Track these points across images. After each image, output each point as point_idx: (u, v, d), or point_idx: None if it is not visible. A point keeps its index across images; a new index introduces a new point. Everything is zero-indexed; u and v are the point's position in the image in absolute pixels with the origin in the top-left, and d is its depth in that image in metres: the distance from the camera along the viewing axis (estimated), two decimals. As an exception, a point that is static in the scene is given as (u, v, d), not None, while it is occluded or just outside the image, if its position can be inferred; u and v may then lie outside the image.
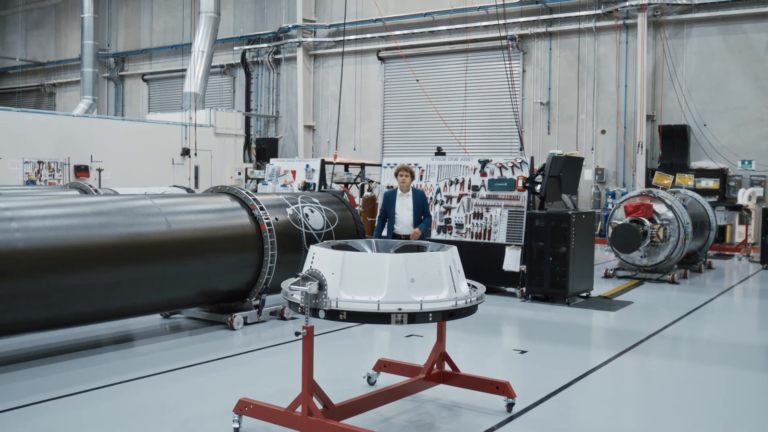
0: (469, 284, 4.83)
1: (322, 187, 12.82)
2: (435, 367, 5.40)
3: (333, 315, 4.28)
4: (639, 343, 7.49)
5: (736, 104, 19.20)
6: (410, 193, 8.62)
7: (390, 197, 8.65)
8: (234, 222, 7.78)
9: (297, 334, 4.34)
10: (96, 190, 10.04)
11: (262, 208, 7.97)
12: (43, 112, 22.72)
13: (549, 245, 9.63)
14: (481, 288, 4.81)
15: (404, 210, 8.57)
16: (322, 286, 4.29)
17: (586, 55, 21.40)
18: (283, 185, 13.04)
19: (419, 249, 5.04)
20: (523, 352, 7.05)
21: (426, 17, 23.38)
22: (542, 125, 22.12)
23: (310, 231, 8.45)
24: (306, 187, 12.87)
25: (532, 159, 10.22)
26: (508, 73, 16.87)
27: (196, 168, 22.74)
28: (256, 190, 13.86)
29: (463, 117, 22.43)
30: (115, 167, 20.69)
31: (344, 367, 6.43)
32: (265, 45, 26.92)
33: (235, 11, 28.01)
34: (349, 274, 4.35)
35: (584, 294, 10.13)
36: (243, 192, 8.06)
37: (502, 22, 20.92)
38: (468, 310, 4.46)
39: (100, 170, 20.54)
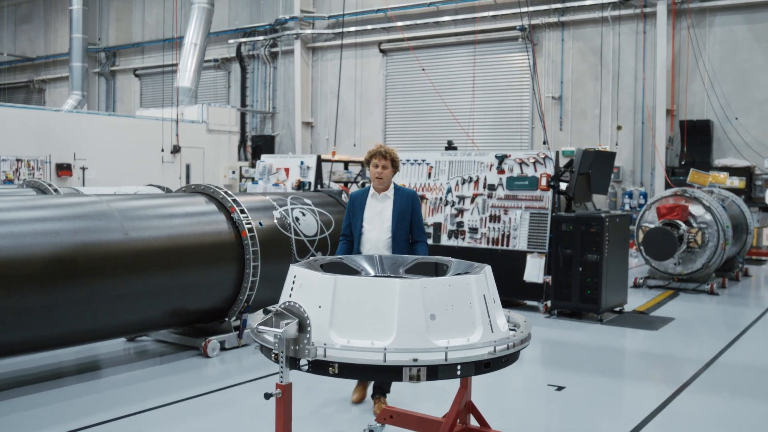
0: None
1: (318, 186, 11.53)
2: (458, 421, 4.10)
3: (320, 367, 2.99)
4: (698, 375, 6.19)
5: (763, 97, 17.89)
6: (390, 194, 5.05)
7: (357, 201, 5.13)
8: (208, 228, 6.49)
9: (267, 396, 3.05)
10: (56, 190, 8.76)
11: (242, 211, 6.68)
12: (23, 106, 21.45)
13: (578, 253, 8.34)
14: (524, 323, 3.53)
15: (376, 222, 5.01)
16: (303, 327, 3.00)
17: (601, 46, 20.07)
18: (275, 184, 11.76)
19: (439, 269, 3.76)
20: (560, 388, 5.75)
21: (430, 7, 22.09)
22: (554, 121, 20.81)
23: (301, 237, 7.16)
24: (300, 186, 11.59)
25: (557, 154, 8.93)
26: (530, 61, 15.56)
27: (188, 166, 21.45)
28: (245, 190, 12.57)
29: (471, 112, 21.14)
30: (100, 166, 19.39)
31: (338, 417, 5.14)
32: (261, 38, 25.65)
33: (230, 2, 26.75)
34: (343, 307, 3.08)
35: (618, 309, 8.84)
36: (220, 192, 6.77)
37: (518, 11, 19.75)
38: (509, 358, 3.18)
39: (83, 169, 19.25)
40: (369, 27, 23.11)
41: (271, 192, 9.83)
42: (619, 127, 19.87)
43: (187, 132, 21.19)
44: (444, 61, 22.15)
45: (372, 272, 3.78)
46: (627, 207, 19.03)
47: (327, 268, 3.67)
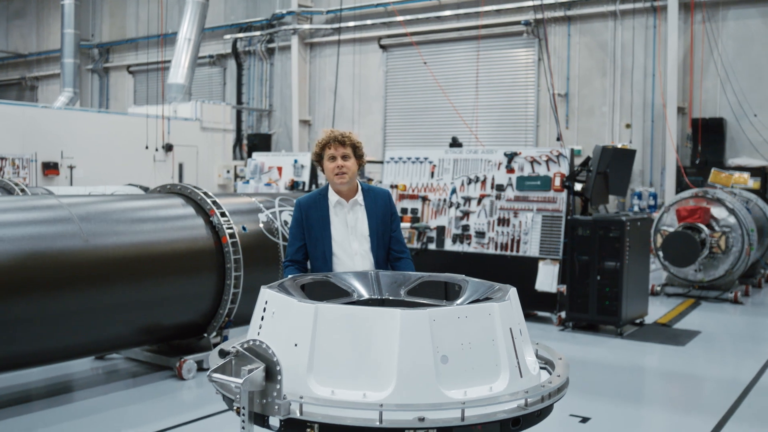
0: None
1: (313, 186, 10.77)
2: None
3: (294, 427, 2.25)
4: (741, 401, 5.45)
5: (779, 94, 17.15)
6: (360, 199, 3.69)
7: (312, 213, 3.67)
8: (183, 234, 5.74)
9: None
10: (23, 190, 8.02)
11: (223, 214, 5.93)
12: (8, 102, 20.65)
13: (596, 260, 7.60)
14: (559, 361, 2.78)
15: (350, 243, 3.65)
16: (272, 374, 2.26)
17: (609, 41, 19.33)
18: (268, 184, 11.01)
19: (450, 290, 3.01)
20: (584, 419, 5.00)
21: (432, 1, 21.34)
22: (560, 118, 20.05)
23: (290, 244, 6.40)
24: (294, 186, 10.84)
25: (572, 151, 8.18)
26: (543, 55, 14.79)
27: (180, 165, 20.69)
28: (235, 190, 11.82)
29: (474, 109, 20.40)
30: (89, 164, 18.62)
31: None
32: (257, 33, 24.87)
33: (226, -3, 25.99)
34: (326, 346, 2.34)
35: (638, 321, 8.09)
36: (199, 193, 6.02)
37: (522, 5, 19.02)
38: (543, 412, 2.44)
39: (71, 167, 18.48)
40: (368, 22, 22.37)
41: (257, 193, 9.08)
42: (627, 125, 19.11)
43: (180, 130, 20.46)
44: (446, 57, 21.40)
45: (366, 294, 3.03)
46: (636, 208, 18.29)
47: (310, 289, 2.93)
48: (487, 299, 2.70)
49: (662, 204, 17.45)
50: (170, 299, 5.66)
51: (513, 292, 2.73)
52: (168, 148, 19.94)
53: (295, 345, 2.35)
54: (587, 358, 6.83)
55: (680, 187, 16.80)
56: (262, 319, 2.56)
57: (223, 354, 2.36)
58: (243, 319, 5.95)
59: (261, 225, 6.30)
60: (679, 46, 18.06)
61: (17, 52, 32.79)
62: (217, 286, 5.87)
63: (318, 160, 3.73)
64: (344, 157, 3.60)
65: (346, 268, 3.54)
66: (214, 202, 5.97)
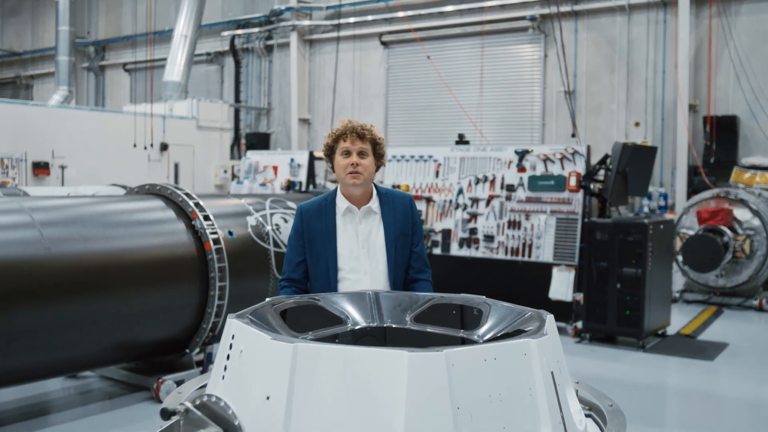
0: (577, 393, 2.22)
1: (310, 186, 10.18)
2: None
3: None
4: (786, 429, 4.86)
5: (795, 91, 16.54)
6: (375, 206, 3.01)
7: (315, 222, 2.99)
8: (162, 240, 5.16)
9: None
10: (-6, 191, 7.44)
11: (207, 218, 5.34)
12: (-3, 100, 20.10)
13: (616, 266, 7.00)
14: (609, 409, 2.19)
15: (361, 261, 2.96)
16: (234, 441, 1.66)
17: (618, 37, 18.74)
18: (263, 184, 10.42)
19: (467, 315, 2.42)
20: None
21: (435, -5, 20.75)
22: (565, 117, 19.40)
23: (282, 250, 5.82)
24: (290, 186, 10.25)
25: (588, 149, 7.59)
26: (552, 47, 14.20)
27: (176, 165, 20.13)
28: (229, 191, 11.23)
29: (478, 107, 19.82)
30: (82, 164, 18.04)
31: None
32: (255, 30, 24.30)
33: (223, -7, 25.42)
34: (308, 400, 1.74)
35: (660, 331, 7.49)
36: (180, 194, 5.43)
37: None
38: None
39: (62, 167, 17.90)
40: (369, 18, 21.78)
41: (247, 194, 8.48)
42: (636, 124, 18.51)
43: (176, 129, 19.92)
44: (449, 53, 20.81)
45: (362, 321, 2.43)
46: (646, 209, 17.69)
47: (293, 316, 2.34)
48: (518, 332, 2.10)
49: (673, 205, 16.83)
50: (147, 313, 5.07)
51: (550, 321, 2.13)
52: (163, 147, 19.38)
53: (267, 398, 1.75)
54: (608, 375, 6.23)
55: (691, 187, 16.22)
56: (228, 358, 1.96)
57: (166, 415, 1.75)
58: (229, 333, 5.36)
59: (250, 229, 5.71)
60: (691, 42, 17.47)
61: (12, 51, 32.26)
62: (200, 297, 5.28)
63: (329, 153, 3.04)
64: (361, 154, 2.93)
65: (351, 279, 2.92)
66: (197, 204, 5.38)
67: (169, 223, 5.27)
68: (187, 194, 5.43)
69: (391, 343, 2.43)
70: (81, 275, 4.61)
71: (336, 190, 3.05)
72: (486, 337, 2.24)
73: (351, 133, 2.96)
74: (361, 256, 2.94)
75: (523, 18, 19.47)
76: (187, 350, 5.46)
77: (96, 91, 29.76)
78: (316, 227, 2.97)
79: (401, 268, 2.96)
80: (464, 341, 2.34)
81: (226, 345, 2.02)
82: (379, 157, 3.00)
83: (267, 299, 2.43)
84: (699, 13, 17.61)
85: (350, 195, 2.97)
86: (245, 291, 5.43)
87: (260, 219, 5.81)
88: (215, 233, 5.30)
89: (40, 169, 17.45)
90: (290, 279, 3.00)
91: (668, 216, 11.52)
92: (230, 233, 5.50)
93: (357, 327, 2.41)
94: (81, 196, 5.75)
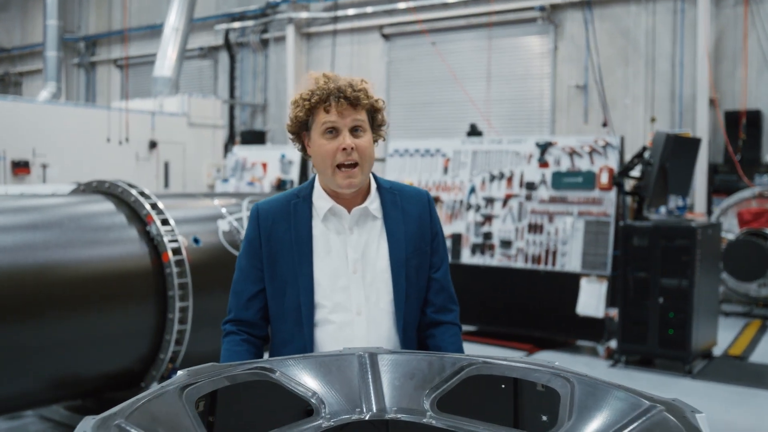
0: None
1: (303, 185, 9.15)
2: None
3: None
4: None
5: (822, 83, 15.52)
6: (374, 204, 1.95)
7: (274, 227, 1.95)
8: (108, 251, 4.12)
9: None
10: (-71, 190, 6.42)
11: (165, 222, 4.31)
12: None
13: (657, 277, 5.97)
14: None
15: (347, 280, 1.89)
16: None
17: (633, 28, 17.77)
18: (251, 182, 9.40)
19: (524, 396, 1.38)
20: None
21: (438, -14, 19.76)
22: (577, 112, 18.46)
23: (261, 260, 4.78)
24: (281, 185, 9.24)
25: (622, 140, 6.56)
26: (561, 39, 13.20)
27: (166, 164, 19.13)
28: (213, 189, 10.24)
29: (485, 101, 18.83)
30: (65, 163, 17.04)
31: None
32: (250, 23, 23.36)
33: (217, -16, 24.46)
34: None
35: (706, 352, 6.46)
36: (132, 193, 4.40)
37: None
38: None
39: (44, 166, 16.91)
40: (369, 9, 20.81)
41: (220, 193, 7.45)
42: (653, 119, 17.48)
43: (166, 125, 18.94)
44: (453, 46, 19.83)
45: (346, 407, 1.39)
46: (663, 209, 16.69)
47: (224, 403, 1.31)
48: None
49: (692, 205, 15.81)
50: (90, 341, 4.05)
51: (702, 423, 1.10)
52: (152, 145, 18.41)
53: None
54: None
55: (712, 186, 15.26)
56: None
57: None
58: (194, 362, 4.33)
59: (221, 236, 4.67)
60: (711, 33, 16.50)
61: (1, 46, 31.36)
62: (157, 320, 4.25)
63: (299, 131, 1.93)
64: (355, 129, 1.86)
65: (341, 342, 1.76)
66: (154, 206, 4.35)
67: (118, 229, 4.23)
68: (141, 193, 4.40)
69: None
70: (8, 297, 3.58)
71: (312, 181, 1.97)
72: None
73: (338, 97, 1.85)
74: (353, 285, 1.87)
75: (531, 8, 18.52)
76: (143, 384, 4.43)
77: (86, 88, 28.83)
78: (282, 238, 1.90)
79: (415, 305, 1.88)
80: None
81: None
82: (377, 128, 1.92)
83: (180, 372, 1.40)
84: (719, 2, 16.65)
85: (335, 192, 1.91)
86: (215, 312, 4.38)
87: (234, 224, 4.77)
88: (175, 242, 4.27)
89: (20, 168, 16.46)
90: (239, 321, 1.93)
91: (700, 218, 10.39)
92: (196, 241, 4.47)
93: (335, 421, 1.37)
94: (11, 196, 4.72)
